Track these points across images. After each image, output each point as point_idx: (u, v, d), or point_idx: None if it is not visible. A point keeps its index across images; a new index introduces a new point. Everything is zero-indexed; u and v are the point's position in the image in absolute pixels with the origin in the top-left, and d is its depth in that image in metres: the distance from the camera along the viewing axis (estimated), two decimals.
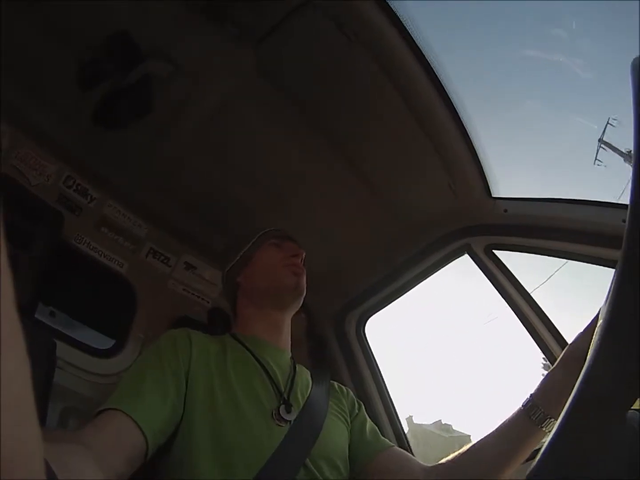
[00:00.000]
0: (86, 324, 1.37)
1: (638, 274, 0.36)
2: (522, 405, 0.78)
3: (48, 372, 1.03)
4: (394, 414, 1.53)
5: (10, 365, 0.16)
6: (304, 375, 0.99)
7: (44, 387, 0.99)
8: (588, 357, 0.39)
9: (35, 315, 1.21)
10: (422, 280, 1.54)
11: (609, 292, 0.41)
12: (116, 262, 1.41)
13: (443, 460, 0.86)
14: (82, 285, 1.42)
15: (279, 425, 0.81)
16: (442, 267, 1.49)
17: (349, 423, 0.97)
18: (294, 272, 1.02)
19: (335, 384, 1.06)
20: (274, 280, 1.01)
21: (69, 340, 1.25)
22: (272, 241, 1.08)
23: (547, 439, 0.42)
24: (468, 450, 0.83)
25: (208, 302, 1.58)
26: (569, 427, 0.40)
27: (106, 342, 1.37)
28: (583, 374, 0.39)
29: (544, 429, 0.75)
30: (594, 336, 0.40)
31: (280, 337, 1.01)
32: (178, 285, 1.54)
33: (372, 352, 1.66)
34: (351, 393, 1.06)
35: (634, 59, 0.45)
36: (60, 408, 1.18)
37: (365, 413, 1.03)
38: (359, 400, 1.06)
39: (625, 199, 0.48)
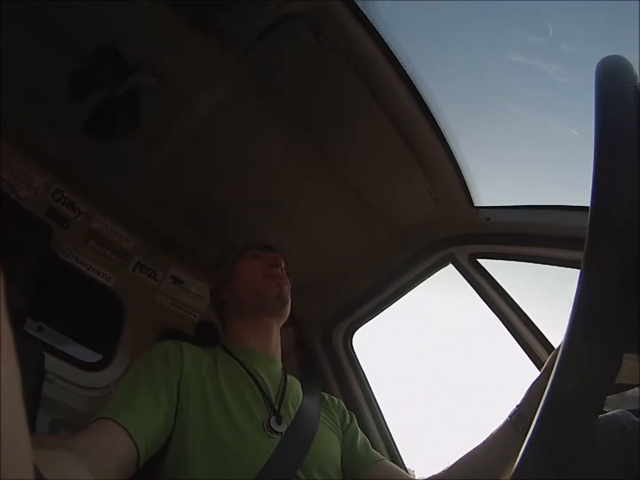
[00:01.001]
0: (74, 338, 1.36)
1: (596, 273, 0.37)
2: (509, 416, 0.78)
3: (37, 383, 1.02)
4: (384, 426, 1.53)
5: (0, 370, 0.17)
6: (295, 386, 0.99)
7: (32, 399, 0.99)
8: (557, 358, 0.40)
9: (24, 328, 1.20)
10: (407, 291, 1.55)
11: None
12: (104, 276, 1.41)
13: (433, 474, 0.86)
14: (70, 298, 1.41)
15: (271, 437, 0.81)
16: (427, 277, 1.50)
17: (341, 434, 0.97)
18: (275, 282, 1.02)
19: (326, 395, 1.06)
20: (256, 293, 1.01)
21: (57, 353, 1.25)
22: (251, 252, 1.08)
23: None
24: (457, 463, 0.83)
25: (196, 316, 1.58)
26: (542, 428, 0.41)
27: (94, 355, 1.36)
28: (553, 375, 0.40)
29: None
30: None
31: (270, 346, 1.01)
32: (166, 299, 1.54)
33: (360, 365, 1.66)
34: (342, 404, 1.06)
35: (599, 61, 0.46)
36: (49, 420, 1.16)
37: (357, 425, 1.03)
38: (350, 412, 1.05)
39: None
